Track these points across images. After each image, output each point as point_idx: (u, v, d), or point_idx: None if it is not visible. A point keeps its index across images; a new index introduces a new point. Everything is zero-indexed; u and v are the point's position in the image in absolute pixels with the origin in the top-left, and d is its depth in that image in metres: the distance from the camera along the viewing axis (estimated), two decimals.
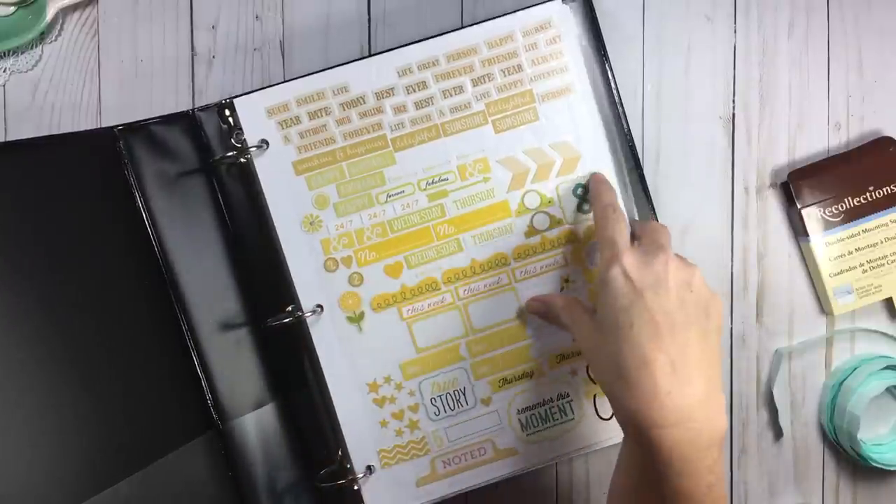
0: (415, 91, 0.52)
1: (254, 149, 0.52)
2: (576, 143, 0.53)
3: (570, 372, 0.53)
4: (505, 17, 0.52)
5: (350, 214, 0.52)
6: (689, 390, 0.41)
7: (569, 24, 0.53)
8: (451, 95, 0.52)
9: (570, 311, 0.48)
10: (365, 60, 0.52)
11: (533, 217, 0.53)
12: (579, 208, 0.53)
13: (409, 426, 0.53)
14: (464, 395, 0.53)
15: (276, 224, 0.52)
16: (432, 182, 0.53)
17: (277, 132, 0.52)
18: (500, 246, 0.53)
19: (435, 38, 0.52)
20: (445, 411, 0.53)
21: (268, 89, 0.52)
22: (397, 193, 0.53)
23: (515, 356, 0.53)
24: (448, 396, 0.53)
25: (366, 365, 0.52)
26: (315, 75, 0.52)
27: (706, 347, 0.42)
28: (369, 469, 0.53)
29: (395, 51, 0.52)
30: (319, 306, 0.52)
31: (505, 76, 0.53)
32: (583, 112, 0.53)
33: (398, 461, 0.53)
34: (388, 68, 0.52)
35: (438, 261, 0.53)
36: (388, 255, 0.52)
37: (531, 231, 0.53)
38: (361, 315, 0.53)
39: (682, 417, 0.40)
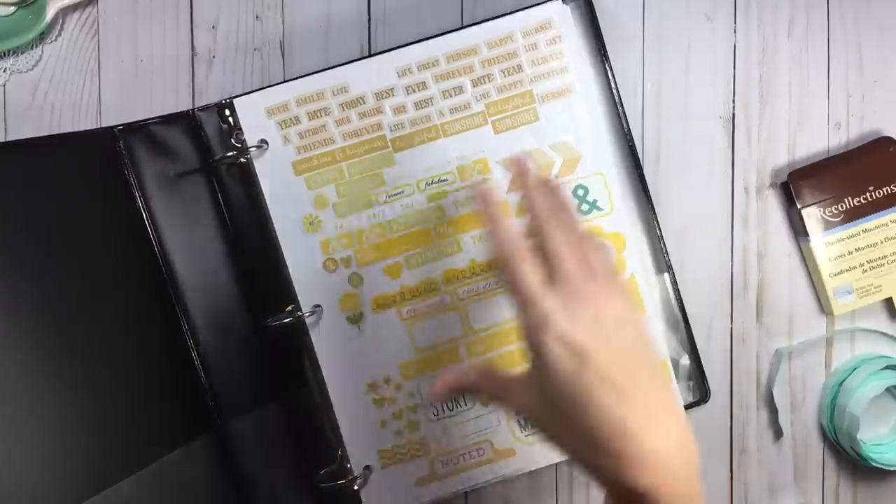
0: (414, 91, 0.52)
1: (253, 149, 0.52)
2: (576, 144, 0.53)
3: None
4: (505, 17, 0.52)
5: (349, 215, 0.52)
6: (668, 439, 0.38)
7: (569, 25, 0.53)
8: (450, 96, 0.52)
9: (499, 383, 0.41)
10: (365, 61, 0.52)
11: None
12: (579, 209, 0.53)
13: (408, 427, 0.53)
14: (462, 394, 0.53)
15: (275, 224, 0.52)
16: (432, 183, 0.53)
17: (277, 132, 0.52)
18: None
19: (435, 39, 0.52)
20: (444, 412, 0.53)
21: (268, 89, 0.52)
22: (397, 194, 0.53)
23: (514, 357, 0.53)
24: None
25: (365, 365, 0.53)
26: (315, 75, 0.52)
27: (662, 383, 0.39)
28: (368, 469, 0.53)
29: (395, 51, 0.52)
30: (319, 306, 0.52)
31: (505, 77, 0.53)
32: (583, 112, 0.53)
33: (397, 461, 0.53)
34: (388, 68, 0.52)
35: (438, 261, 0.53)
36: (388, 255, 0.53)
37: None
38: (361, 315, 0.53)
39: (670, 471, 0.38)
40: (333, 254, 0.53)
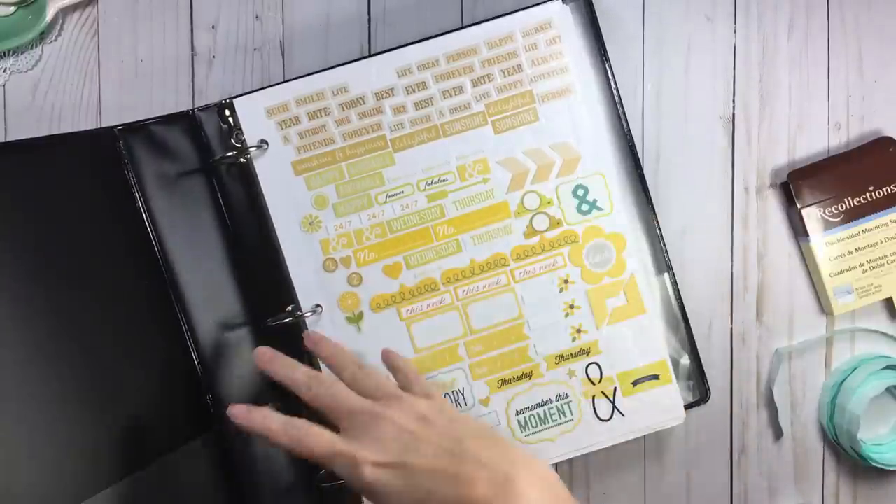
0: (414, 91, 0.52)
1: (253, 149, 0.52)
2: (576, 144, 0.53)
3: (568, 373, 0.53)
4: (505, 17, 0.52)
5: (349, 215, 0.52)
6: (529, 491, 0.39)
7: (569, 25, 0.53)
8: (450, 96, 0.52)
9: None
10: (364, 61, 0.52)
11: (532, 218, 0.53)
12: (579, 209, 0.53)
13: None
14: (462, 395, 0.53)
15: (275, 224, 0.52)
16: (432, 182, 0.53)
17: (277, 132, 0.52)
18: (500, 246, 0.53)
19: (435, 39, 0.52)
20: None
21: (268, 89, 0.52)
22: (396, 194, 0.53)
23: (514, 357, 0.53)
24: (447, 396, 0.53)
25: None
26: (315, 75, 0.52)
27: (501, 444, 0.41)
28: None
29: (395, 51, 0.52)
30: (319, 306, 0.52)
31: (505, 77, 0.53)
32: (583, 113, 0.53)
33: None
34: (388, 69, 0.52)
35: (437, 261, 0.53)
36: (388, 255, 0.53)
37: (530, 232, 0.53)
38: (360, 315, 0.53)
39: None
40: (333, 254, 0.53)
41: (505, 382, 0.53)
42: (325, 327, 0.52)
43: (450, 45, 0.52)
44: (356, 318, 0.53)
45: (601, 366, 0.53)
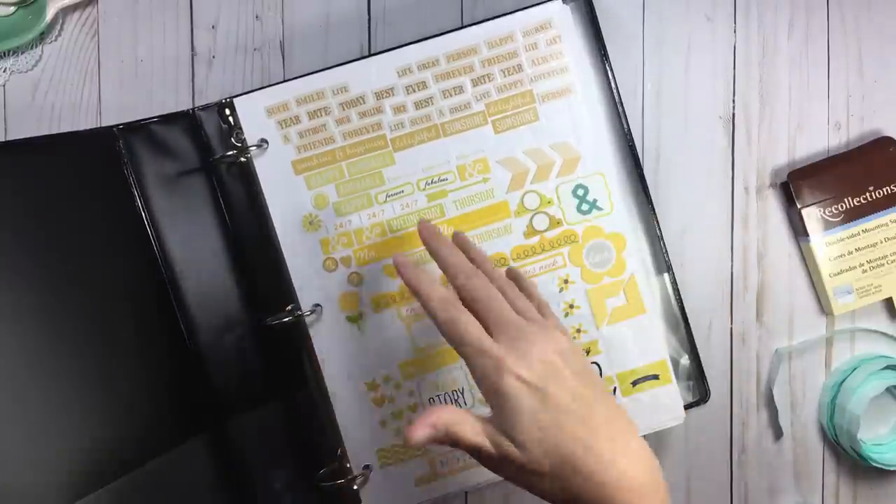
0: (414, 91, 0.52)
1: (253, 148, 0.52)
2: (576, 144, 0.53)
3: None
4: (505, 17, 0.52)
5: (349, 214, 0.52)
6: (638, 462, 0.39)
7: (569, 24, 0.53)
8: (450, 95, 0.52)
9: (482, 434, 0.40)
10: (364, 60, 0.52)
11: (532, 217, 0.53)
12: (579, 209, 0.53)
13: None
14: (462, 394, 0.53)
15: (275, 223, 0.52)
16: (432, 182, 0.53)
17: (277, 132, 0.52)
18: (500, 246, 0.53)
19: (435, 38, 0.52)
20: None
21: (268, 89, 0.52)
22: (396, 193, 0.53)
23: None
24: (447, 396, 0.53)
25: (365, 364, 0.53)
26: (315, 75, 0.52)
27: (618, 409, 0.41)
28: (368, 468, 0.53)
29: (395, 51, 0.52)
30: (318, 306, 0.52)
31: (505, 76, 0.53)
32: (583, 112, 0.53)
33: (397, 461, 0.53)
34: (388, 68, 0.52)
35: None
36: (388, 255, 0.53)
37: (530, 231, 0.53)
38: (360, 315, 0.53)
39: (644, 494, 0.39)
40: (333, 253, 0.53)
41: None
42: (324, 327, 0.52)
43: (450, 45, 0.52)
44: (356, 318, 0.53)
45: (601, 366, 0.53)
